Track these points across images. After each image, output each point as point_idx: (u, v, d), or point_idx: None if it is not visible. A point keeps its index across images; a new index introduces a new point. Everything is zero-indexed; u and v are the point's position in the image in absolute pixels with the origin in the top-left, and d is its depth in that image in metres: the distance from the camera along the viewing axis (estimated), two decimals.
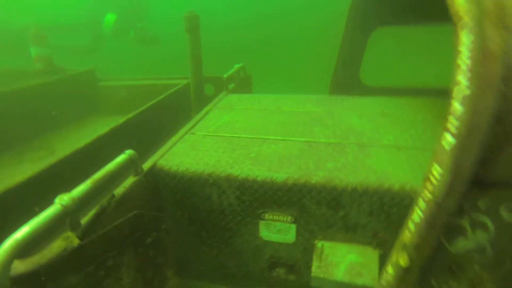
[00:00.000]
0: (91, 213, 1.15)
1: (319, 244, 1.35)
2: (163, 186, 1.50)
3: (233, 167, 1.42)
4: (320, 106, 2.09)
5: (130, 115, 2.38)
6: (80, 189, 1.10)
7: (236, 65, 2.91)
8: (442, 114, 1.94)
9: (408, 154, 1.44)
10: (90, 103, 3.70)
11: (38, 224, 0.94)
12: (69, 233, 1.05)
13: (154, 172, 1.48)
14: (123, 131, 2.26)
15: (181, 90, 3.01)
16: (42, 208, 1.74)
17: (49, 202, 1.70)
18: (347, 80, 2.69)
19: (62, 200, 1.03)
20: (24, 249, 0.90)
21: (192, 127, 1.91)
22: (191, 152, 1.59)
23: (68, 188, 1.89)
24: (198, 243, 1.56)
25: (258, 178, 1.36)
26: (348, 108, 2.03)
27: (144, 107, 2.55)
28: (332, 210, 1.30)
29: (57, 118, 3.33)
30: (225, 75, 2.68)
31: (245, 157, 1.51)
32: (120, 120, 2.34)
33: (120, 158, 1.31)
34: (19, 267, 0.91)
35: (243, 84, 2.92)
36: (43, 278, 0.93)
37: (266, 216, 1.41)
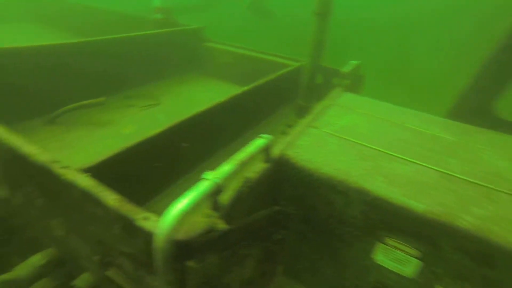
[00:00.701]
0: (229, 194, 1.15)
1: None
2: (285, 177, 1.47)
3: (366, 181, 1.34)
4: (450, 133, 1.88)
5: (248, 87, 2.36)
6: (226, 169, 1.09)
7: (353, 62, 2.75)
8: None
9: None
10: (193, 60, 3.80)
11: (195, 198, 0.95)
12: (211, 212, 1.06)
13: (281, 162, 1.46)
14: (237, 102, 2.26)
15: (293, 72, 2.94)
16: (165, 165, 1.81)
17: (164, 161, 1.78)
18: (477, 108, 2.39)
19: (214, 177, 1.03)
20: (182, 219, 0.92)
21: (313, 120, 1.84)
22: (319, 150, 1.53)
23: (181, 152, 1.94)
24: (301, 242, 1.54)
25: (393, 201, 1.26)
26: (488, 144, 1.79)
27: (261, 81, 2.51)
28: (474, 262, 1.17)
29: (163, 69, 3.48)
30: (343, 70, 2.54)
31: (376, 171, 1.41)
32: (236, 89, 2.34)
33: (260, 142, 1.29)
34: (177, 234, 0.94)
35: (355, 83, 2.76)
36: (192, 249, 0.95)
37: (388, 240, 1.32)
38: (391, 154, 1.57)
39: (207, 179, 1.02)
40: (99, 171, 1.34)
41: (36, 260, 1.52)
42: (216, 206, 1.07)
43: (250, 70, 3.37)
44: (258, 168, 1.32)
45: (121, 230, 1.14)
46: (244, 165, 1.16)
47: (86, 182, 1.17)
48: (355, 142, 1.65)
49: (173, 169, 1.87)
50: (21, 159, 1.35)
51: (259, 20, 6.51)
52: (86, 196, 1.17)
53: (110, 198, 1.10)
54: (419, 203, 1.24)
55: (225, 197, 1.12)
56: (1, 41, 4.15)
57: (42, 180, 1.36)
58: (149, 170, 1.71)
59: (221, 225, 1.00)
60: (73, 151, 2.15)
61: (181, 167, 1.93)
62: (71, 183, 1.19)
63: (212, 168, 2.12)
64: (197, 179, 1.98)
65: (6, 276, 1.40)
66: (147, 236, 1.00)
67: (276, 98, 2.81)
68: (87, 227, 1.30)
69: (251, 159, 1.20)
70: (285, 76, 2.80)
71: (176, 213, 0.89)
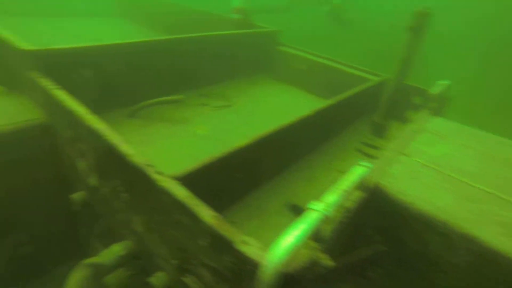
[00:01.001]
0: (330, 226, 1.08)
1: None
2: (375, 206, 1.36)
3: (477, 228, 1.18)
4: None
5: (333, 100, 2.25)
6: (333, 199, 1.02)
7: (442, 82, 2.52)
8: None
9: None
10: (266, 63, 3.77)
11: (305, 231, 0.90)
12: (314, 243, 0.99)
13: (376, 191, 1.35)
14: (321, 115, 2.16)
15: (375, 87, 2.78)
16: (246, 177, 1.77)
17: (245, 172, 1.75)
18: None
19: (322, 209, 0.97)
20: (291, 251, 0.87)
21: (402, 147, 1.70)
22: (413, 182, 1.40)
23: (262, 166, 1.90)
24: (388, 279, 1.42)
25: None
26: None
27: (346, 94, 2.39)
28: None
29: (236, 69, 3.48)
30: (432, 91, 2.34)
31: (488, 218, 1.24)
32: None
33: (361, 170, 1.20)
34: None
35: (441, 105, 2.53)
36: (296, 283, 0.90)
37: None
38: (506, 199, 1.38)
39: (316, 210, 0.95)
40: (189, 180, 1.33)
41: (117, 249, 1.58)
42: (317, 237, 1.01)
43: (324, 80, 3.26)
44: (355, 197, 1.24)
45: (209, 244, 1.12)
46: (348, 194, 1.08)
47: (181, 192, 1.17)
48: (453, 178, 1.48)
49: (250, 180, 1.84)
50: (117, 157, 1.39)
51: (338, 28, 6.31)
52: (179, 206, 1.17)
53: (207, 214, 1.08)
54: None
55: (328, 228, 1.06)
56: (89, 35, 4.41)
57: (133, 179, 1.39)
58: (230, 179, 1.70)
59: (326, 261, 0.93)
60: (150, 146, 2.21)
61: (258, 178, 1.90)
62: (165, 190, 1.20)
63: (288, 181, 2.05)
64: (273, 191, 1.93)
65: (94, 260, 1.48)
66: (245, 261, 0.96)
67: (353, 112, 2.68)
68: (169, 231, 1.31)
69: (354, 188, 1.12)
70: (367, 91, 2.65)
71: (286, 246, 0.85)
